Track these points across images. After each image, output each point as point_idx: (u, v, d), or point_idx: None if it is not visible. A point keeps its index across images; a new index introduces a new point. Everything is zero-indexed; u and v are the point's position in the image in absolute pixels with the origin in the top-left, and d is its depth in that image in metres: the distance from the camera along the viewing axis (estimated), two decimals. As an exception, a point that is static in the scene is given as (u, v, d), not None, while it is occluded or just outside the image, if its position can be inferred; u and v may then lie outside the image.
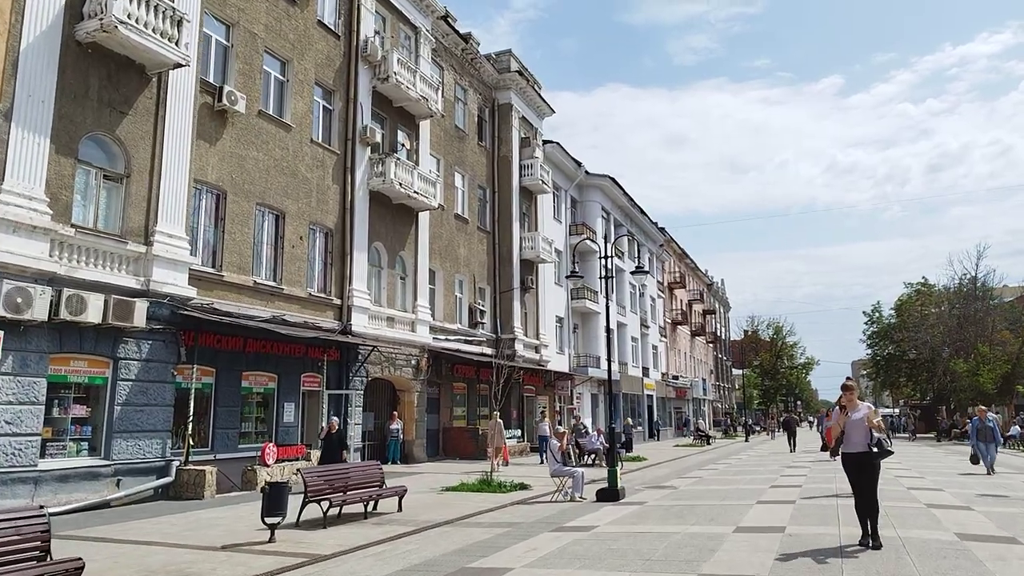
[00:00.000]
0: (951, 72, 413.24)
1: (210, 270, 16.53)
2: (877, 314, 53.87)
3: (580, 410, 38.79)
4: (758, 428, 73.08)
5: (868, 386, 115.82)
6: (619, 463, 19.83)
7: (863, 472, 8.47)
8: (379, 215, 22.65)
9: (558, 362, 35.62)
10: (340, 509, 11.33)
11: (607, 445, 30.05)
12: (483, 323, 28.92)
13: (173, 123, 15.14)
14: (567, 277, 20.98)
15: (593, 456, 22.35)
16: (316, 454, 18.09)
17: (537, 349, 32.71)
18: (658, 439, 46.86)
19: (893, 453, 8.89)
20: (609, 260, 17.44)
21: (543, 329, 33.58)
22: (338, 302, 20.64)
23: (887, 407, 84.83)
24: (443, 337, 25.91)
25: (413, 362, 23.75)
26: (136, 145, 14.47)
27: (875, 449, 8.38)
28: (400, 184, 22.30)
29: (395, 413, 23.16)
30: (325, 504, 10.41)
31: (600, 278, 19.28)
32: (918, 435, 53.17)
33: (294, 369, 18.82)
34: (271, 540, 9.14)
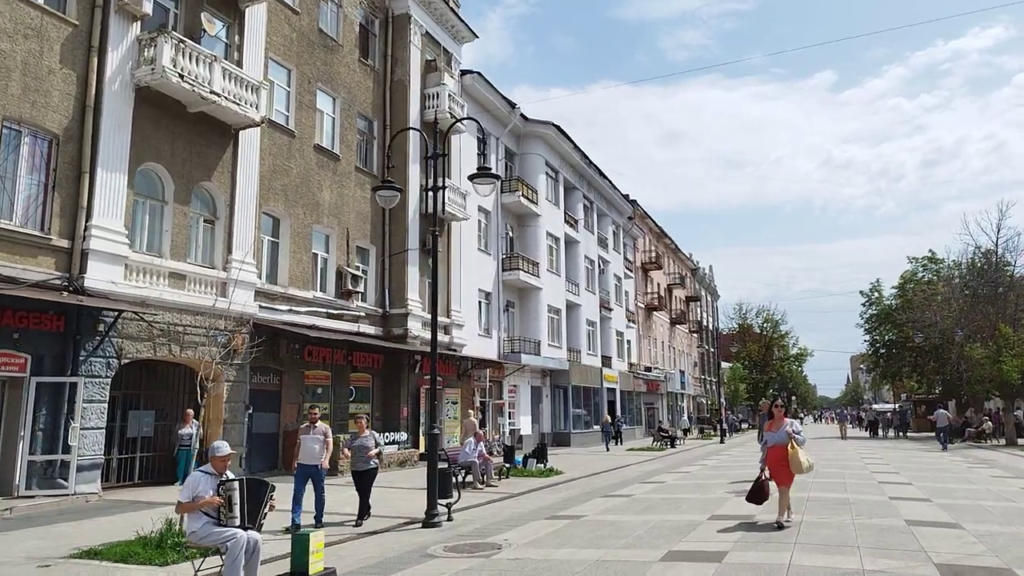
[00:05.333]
0: (944, 67, 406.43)
1: None
2: (876, 294, 46.67)
3: (516, 406, 31.91)
4: (745, 426, 66.14)
5: (867, 380, 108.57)
6: (456, 493, 12.85)
7: None
8: (160, 125, 15.66)
9: (481, 347, 28.64)
10: None
11: (499, 454, 22.80)
12: (360, 292, 21.92)
13: None
14: (374, 189, 13.55)
15: (465, 473, 15.22)
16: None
17: (447, 330, 25.71)
18: (619, 441, 39.73)
19: None
20: (437, 161, 10.48)
21: (457, 305, 26.59)
22: (65, 244, 13.65)
23: (887, 402, 77.86)
24: (285, 308, 18.93)
25: (222, 340, 16.76)
26: None
27: None
28: (183, 77, 15.27)
29: (189, 412, 16.16)
30: None
31: (425, 190, 12.26)
32: (919, 433, 46.16)
33: (-48, 343, 11.86)
34: None
